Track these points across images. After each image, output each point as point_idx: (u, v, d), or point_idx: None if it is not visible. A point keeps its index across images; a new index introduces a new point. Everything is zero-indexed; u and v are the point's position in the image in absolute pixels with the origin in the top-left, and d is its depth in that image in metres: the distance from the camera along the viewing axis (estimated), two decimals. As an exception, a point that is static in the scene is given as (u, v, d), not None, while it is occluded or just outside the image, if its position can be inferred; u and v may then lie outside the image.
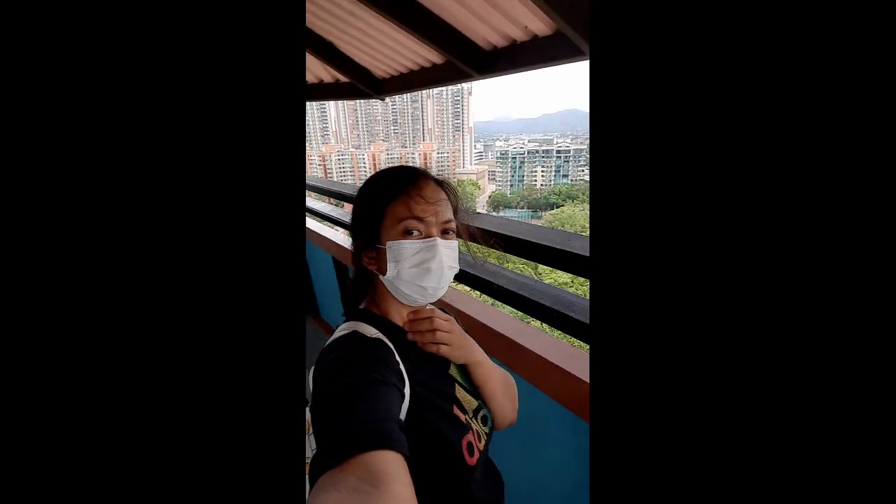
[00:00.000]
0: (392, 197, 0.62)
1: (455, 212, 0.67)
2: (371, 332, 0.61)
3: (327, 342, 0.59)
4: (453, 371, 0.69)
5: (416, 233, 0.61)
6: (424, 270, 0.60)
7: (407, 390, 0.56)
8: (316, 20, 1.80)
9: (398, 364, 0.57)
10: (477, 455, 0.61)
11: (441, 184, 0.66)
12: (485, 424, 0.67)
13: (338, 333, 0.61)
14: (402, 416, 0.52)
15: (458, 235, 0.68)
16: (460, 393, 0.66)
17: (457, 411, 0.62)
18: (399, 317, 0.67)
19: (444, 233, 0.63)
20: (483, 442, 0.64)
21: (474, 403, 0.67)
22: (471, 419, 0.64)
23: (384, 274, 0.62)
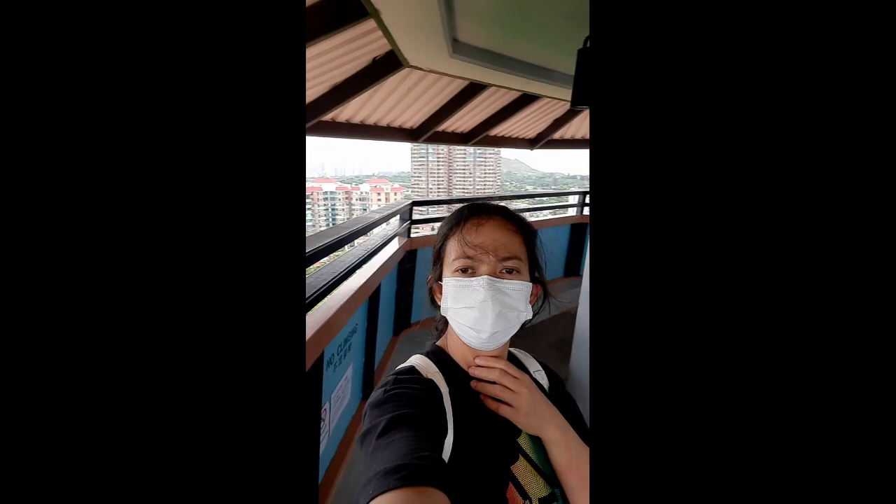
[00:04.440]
0: (451, 232, 0.61)
1: (530, 252, 0.61)
2: (430, 370, 0.58)
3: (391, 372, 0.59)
4: (524, 441, 0.58)
5: (469, 270, 0.57)
6: (471, 311, 0.56)
7: (449, 440, 0.50)
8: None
9: (444, 412, 0.52)
10: None
11: (513, 220, 0.61)
12: None
13: (402, 365, 0.60)
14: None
15: (537, 279, 0.62)
16: (525, 471, 0.54)
17: (512, 493, 0.51)
18: (462, 358, 0.61)
19: (508, 272, 0.57)
20: None
21: (544, 490, 0.54)
22: None
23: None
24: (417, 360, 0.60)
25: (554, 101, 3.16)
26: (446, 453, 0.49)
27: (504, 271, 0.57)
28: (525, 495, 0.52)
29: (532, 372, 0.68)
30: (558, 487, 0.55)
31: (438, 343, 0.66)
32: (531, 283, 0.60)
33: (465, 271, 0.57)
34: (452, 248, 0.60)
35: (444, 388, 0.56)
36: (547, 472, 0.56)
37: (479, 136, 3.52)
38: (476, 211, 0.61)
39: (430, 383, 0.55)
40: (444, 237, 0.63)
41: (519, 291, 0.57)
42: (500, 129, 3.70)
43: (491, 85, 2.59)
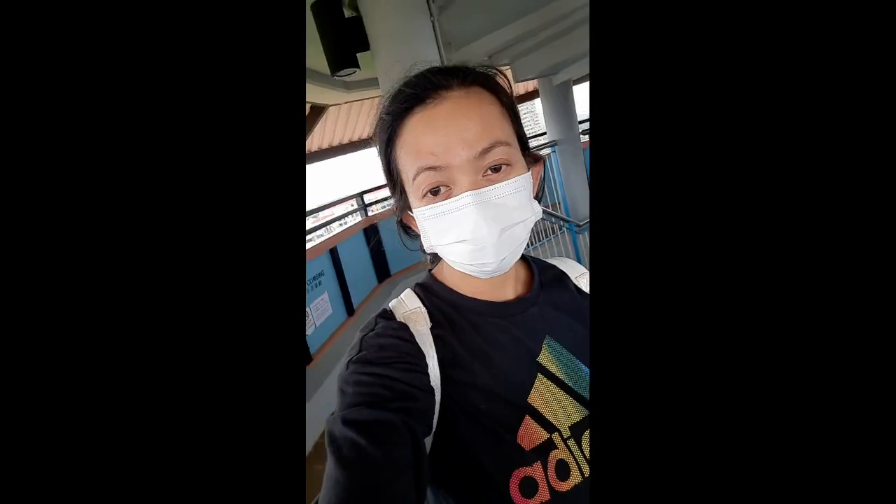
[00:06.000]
0: (393, 134, 0.42)
1: (514, 122, 0.43)
2: (409, 308, 0.47)
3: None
4: (547, 357, 0.45)
5: (442, 189, 0.40)
6: (463, 245, 0.40)
7: (438, 395, 0.41)
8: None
9: (423, 362, 0.42)
10: (545, 499, 0.38)
11: (480, 81, 0.41)
12: None
13: (378, 311, 0.48)
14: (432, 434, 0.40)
15: (531, 155, 0.45)
16: (548, 394, 0.43)
17: (529, 430, 0.40)
18: (471, 284, 0.48)
19: (495, 170, 0.39)
20: (574, 482, 0.39)
21: (576, 414, 0.42)
22: (565, 440, 0.40)
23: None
24: (401, 297, 0.49)
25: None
26: (436, 413, 0.41)
27: (489, 171, 0.39)
28: (547, 425, 0.41)
29: (574, 277, 0.55)
30: None
31: (433, 271, 0.52)
32: (529, 171, 0.42)
33: (437, 192, 0.40)
34: (406, 161, 0.41)
35: (424, 326, 0.44)
36: (580, 390, 0.44)
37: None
38: (420, 93, 0.40)
39: (403, 328, 0.44)
40: (388, 147, 0.43)
41: (519, 193, 0.40)
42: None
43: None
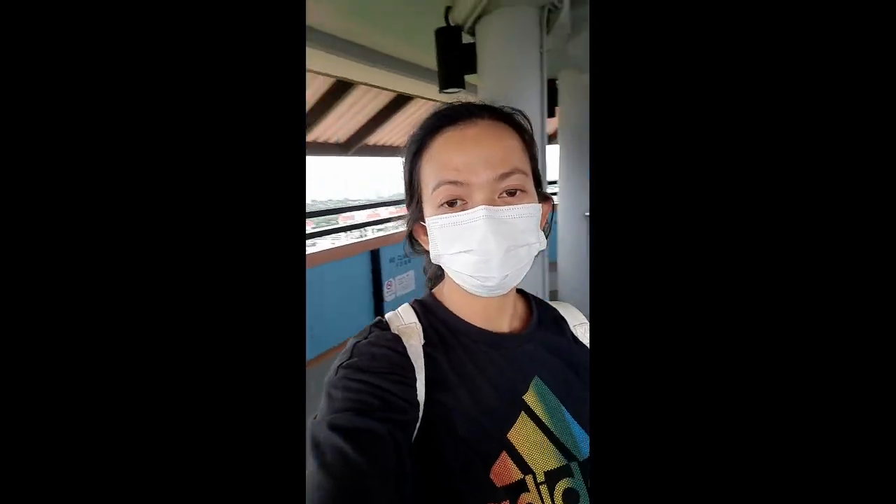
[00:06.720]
0: (422, 149, 0.46)
1: (532, 160, 0.47)
2: (404, 321, 0.49)
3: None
4: (533, 398, 0.46)
5: (459, 202, 0.43)
6: (470, 255, 0.43)
7: (420, 412, 0.42)
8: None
9: (412, 375, 0.43)
10: None
11: (506, 119, 0.46)
12: (568, 503, 0.41)
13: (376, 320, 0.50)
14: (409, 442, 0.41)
15: (544, 194, 0.48)
16: (528, 436, 0.43)
17: (505, 466, 0.41)
18: (470, 308, 0.50)
19: (510, 194, 0.43)
20: None
21: (553, 461, 0.42)
22: (538, 484, 0.41)
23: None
24: (398, 311, 0.52)
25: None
26: (416, 428, 0.42)
27: (505, 194, 0.43)
28: (523, 467, 0.41)
29: (572, 325, 0.56)
30: (576, 461, 0.43)
31: (434, 291, 0.55)
32: (540, 203, 0.46)
33: (453, 204, 0.44)
34: (429, 173, 0.45)
35: (417, 342, 0.47)
36: (563, 438, 0.44)
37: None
38: (454, 115, 0.45)
39: (396, 340, 0.46)
40: (414, 159, 0.47)
41: (528, 218, 0.44)
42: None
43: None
